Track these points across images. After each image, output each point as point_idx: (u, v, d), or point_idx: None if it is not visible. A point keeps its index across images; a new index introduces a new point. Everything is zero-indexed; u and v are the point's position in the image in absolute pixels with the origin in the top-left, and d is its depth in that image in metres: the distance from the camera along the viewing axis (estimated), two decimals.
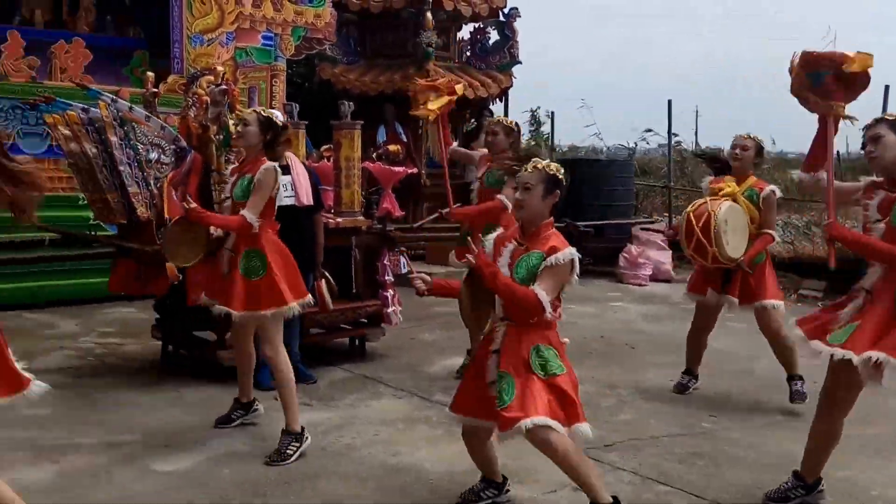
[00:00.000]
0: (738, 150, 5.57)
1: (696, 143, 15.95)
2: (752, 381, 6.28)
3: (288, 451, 4.54)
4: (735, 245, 5.34)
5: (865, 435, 4.89)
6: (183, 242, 4.80)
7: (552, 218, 3.60)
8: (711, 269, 5.56)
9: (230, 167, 5.00)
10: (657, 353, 7.08)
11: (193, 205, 4.64)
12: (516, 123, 6.25)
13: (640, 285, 10.71)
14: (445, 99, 5.98)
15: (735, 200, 5.44)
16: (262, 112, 4.78)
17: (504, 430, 3.43)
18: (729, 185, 5.49)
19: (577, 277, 3.54)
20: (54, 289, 8.16)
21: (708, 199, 5.47)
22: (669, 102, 13.28)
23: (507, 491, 4.01)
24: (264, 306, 4.57)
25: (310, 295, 4.82)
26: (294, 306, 4.61)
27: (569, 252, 3.47)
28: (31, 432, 4.70)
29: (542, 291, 3.42)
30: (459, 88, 6.15)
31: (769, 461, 4.62)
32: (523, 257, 3.54)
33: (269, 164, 4.61)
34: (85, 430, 4.86)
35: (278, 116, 4.94)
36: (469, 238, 3.67)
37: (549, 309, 3.43)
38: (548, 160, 3.59)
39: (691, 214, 5.40)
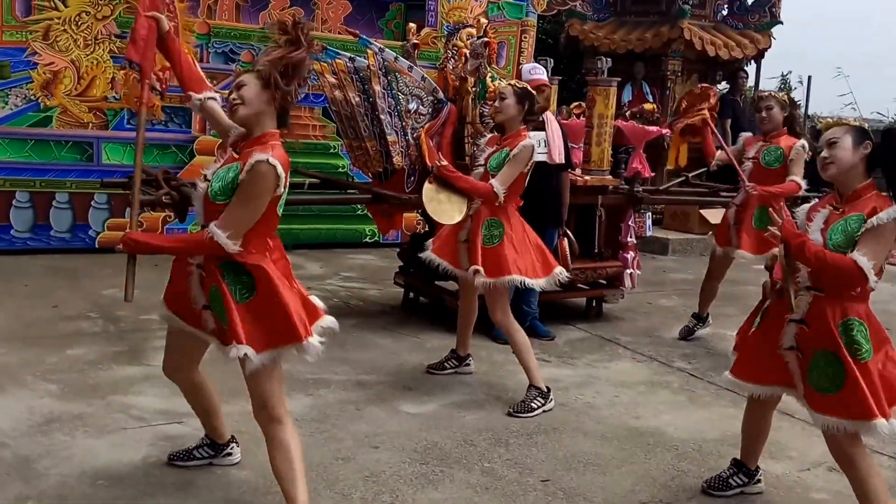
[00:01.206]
0: None
1: None
2: None
3: (533, 405, 4.57)
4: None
5: None
6: (442, 200, 4.84)
7: (872, 179, 3.18)
8: None
9: (487, 137, 4.95)
10: None
11: (444, 162, 4.68)
12: (791, 98, 5.85)
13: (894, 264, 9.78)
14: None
15: None
16: (517, 84, 4.70)
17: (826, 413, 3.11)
18: None
19: None
20: (302, 232, 8.63)
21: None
22: None
23: (759, 482, 3.75)
24: (492, 274, 4.55)
25: (552, 273, 4.71)
26: (516, 278, 4.55)
27: (893, 211, 3.04)
28: (286, 366, 4.95)
29: (862, 258, 3.01)
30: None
31: None
32: (839, 222, 3.15)
33: (528, 140, 4.56)
34: (334, 367, 5.09)
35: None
36: (770, 210, 3.34)
37: (872, 277, 3.01)
38: (845, 117, 3.28)
39: None
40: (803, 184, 5.55)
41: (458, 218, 4.78)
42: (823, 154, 3.19)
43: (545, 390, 4.64)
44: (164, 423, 4.11)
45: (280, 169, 2.93)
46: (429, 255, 4.82)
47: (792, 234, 3.14)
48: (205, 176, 3.07)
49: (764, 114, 5.68)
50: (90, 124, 7.90)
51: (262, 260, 3.01)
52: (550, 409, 4.60)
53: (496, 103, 4.68)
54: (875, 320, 3.18)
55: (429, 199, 4.82)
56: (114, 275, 6.08)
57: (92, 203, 7.97)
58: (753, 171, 5.71)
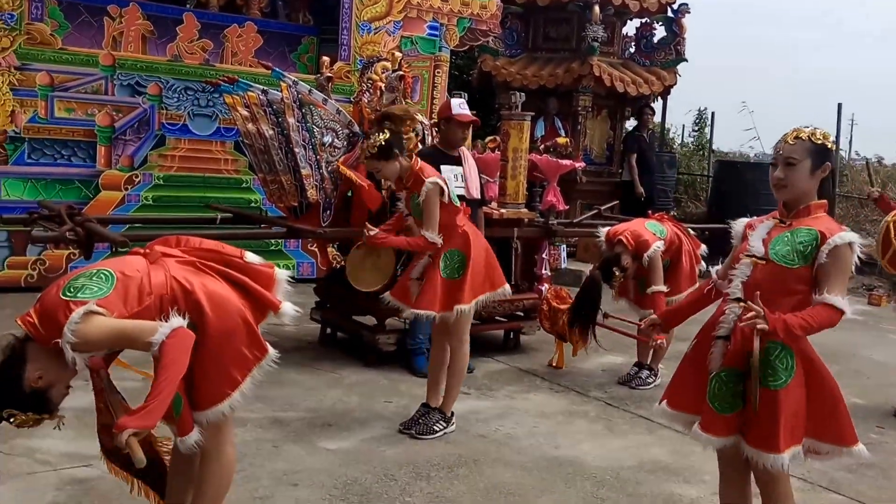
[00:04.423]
0: None
1: (851, 151, 15.27)
2: None
3: (436, 428, 4.65)
4: None
5: None
6: (366, 268, 4.81)
7: (825, 201, 2.96)
8: None
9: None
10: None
11: (374, 231, 4.65)
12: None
13: None
14: None
15: None
16: (370, 150, 4.57)
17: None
18: None
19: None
20: None
21: None
22: (839, 106, 12.60)
23: None
24: (460, 302, 4.56)
25: (505, 286, 4.81)
26: (483, 298, 4.66)
27: (849, 237, 2.85)
28: None
29: (836, 299, 2.79)
30: None
31: None
32: (785, 233, 2.92)
33: (428, 181, 4.52)
34: (249, 405, 4.89)
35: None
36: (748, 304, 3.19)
37: (848, 310, 2.82)
38: (812, 127, 2.98)
39: (891, 224, 5.08)
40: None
41: (376, 287, 4.82)
42: (778, 174, 2.94)
43: (449, 415, 4.72)
44: (70, 466, 3.92)
45: None
46: (386, 296, 4.79)
47: (775, 321, 2.77)
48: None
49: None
50: None
51: None
52: (452, 432, 4.68)
53: (376, 173, 4.77)
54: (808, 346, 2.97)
55: (353, 266, 4.81)
56: (12, 315, 5.80)
57: None
58: None
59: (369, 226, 4.67)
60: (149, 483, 3.08)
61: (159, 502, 3.11)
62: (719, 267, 3.21)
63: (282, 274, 3.09)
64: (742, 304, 2.89)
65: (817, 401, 2.92)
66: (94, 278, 2.67)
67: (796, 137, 2.94)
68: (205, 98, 8.25)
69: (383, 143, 4.50)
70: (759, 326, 2.75)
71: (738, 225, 3.15)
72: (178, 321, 2.63)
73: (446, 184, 4.63)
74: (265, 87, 5.58)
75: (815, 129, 2.96)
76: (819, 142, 2.92)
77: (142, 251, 2.91)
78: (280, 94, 5.46)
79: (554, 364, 6.24)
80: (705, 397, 2.97)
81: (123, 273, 2.72)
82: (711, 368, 2.99)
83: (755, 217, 3.17)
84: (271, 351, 2.94)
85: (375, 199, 5.54)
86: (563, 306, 6.00)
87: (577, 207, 10.68)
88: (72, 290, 2.61)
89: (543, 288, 6.71)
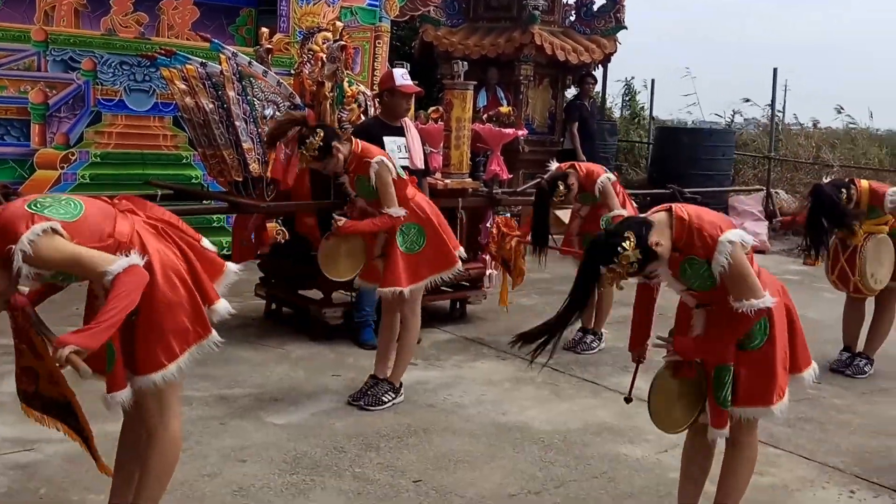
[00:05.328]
0: None
1: (784, 116, 15.68)
2: None
3: (384, 399, 4.70)
4: (880, 277, 5.44)
5: None
6: (339, 255, 4.80)
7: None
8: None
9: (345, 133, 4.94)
10: None
11: (343, 221, 4.65)
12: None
13: None
14: None
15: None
16: (306, 151, 4.57)
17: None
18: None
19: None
20: None
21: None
22: (775, 71, 12.93)
23: None
24: (429, 273, 4.72)
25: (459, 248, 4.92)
26: (431, 279, 4.75)
27: (733, 235, 2.90)
28: None
29: (748, 302, 2.90)
30: None
31: (877, 427, 4.73)
32: (682, 265, 2.97)
33: (375, 161, 4.56)
34: (195, 383, 4.91)
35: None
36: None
37: (768, 299, 2.93)
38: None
39: (837, 244, 5.51)
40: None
41: (350, 276, 4.84)
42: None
43: (398, 386, 4.76)
44: (13, 451, 3.85)
45: None
46: (358, 281, 4.86)
47: (686, 349, 3.03)
48: None
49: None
50: None
51: None
52: (400, 402, 4.72)
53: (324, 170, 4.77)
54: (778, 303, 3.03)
55: (325, 256, 4.79)
56: None
57: None
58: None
59: (337, 217, 4.68)
60: (70, 426, 3.01)
61: (82, 444, 3.04)
62: None
63: (231, 268, 3.06)
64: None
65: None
66: (63, 202, 2.66)
67: None
68: (141, 73, 8.06)
69: (321, 143, 4.52)
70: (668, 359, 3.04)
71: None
72: (136, 259, 2.61)
73: (391, 160, 4.64)
74: (204, 60, 5.48)
75: None
76: None
77: (109, 200, 2.87)
78: (219, 66, 5.37)
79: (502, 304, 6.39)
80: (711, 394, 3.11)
81: (92, 207, 2.70)
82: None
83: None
84: (214, 333, 2.89)
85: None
86: (513, 233, 6.12)
87: (520, 177, 10.71)
88: (38, 205, 2.59)
89: (487, 257, 6.76)
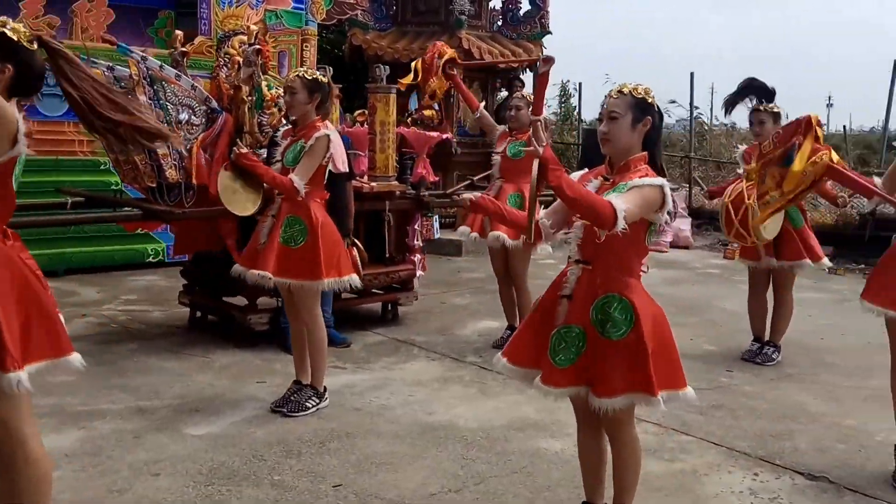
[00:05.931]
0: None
1: (713, 118, 16.13)
2: None
3: (308, 404, 4.60)
4: (772, 228, 5.39)
5: (868, 386, 5.30)
6: (236, 189, 4.66)
7: (646, 153, 3.01)
8: None
9: (282, 129, 4.84)
10: (679, 314, 6.95)
11: (244, 149, 4.54)
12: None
13: (660, 251, 10.70)
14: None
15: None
16: (305, 74, 4.57)
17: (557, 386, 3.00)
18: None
19: (668, 217, 2.96)
20: (74, 256, 8.11)
21: (745, 185, 5.33)
22: (692, 75, 13.55)
23: None
24: (297, 276, 4.47)
25: (353, 275, 4.70)
26: (328, 282, 4.49)
27: (660, 180, 2.91)
28: (54, 399, 4.59)
29: (617, 200, 2.78)
30: None
31: (782, 411, 4.89)
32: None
33: (322, 131, 4.47)
34: (111, 396, 4.79)
35: (323, 75, 4.82)
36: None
37: (622, 222, 2.76)
38: (635, 83, 3.01)
39: (729, 205, 5.44)
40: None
41: (251, 209, 4.70)
42: (602, 128, 2.99)
43: (321, 391, 4.67)
44: None
45: None
46: (237, 268, 4.63)
47: (552, 159, 2.79)
48: None
49: (513, 112, 6.03)
50: None
51: None
52: (325, 407, 4.64)
53: (286, 97, 4.57)
54: (646, 299, 3.02)
55: (223, 188, 4.67)
56: None
57: None
58: (502, 163, 6.02)
59: (240, 143, 4.56)
60: None
61: None
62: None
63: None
64: (582, 265, 3.03)
65: (661, 354, 2.99)
66: None
67: (619, 92, 2.99)
68: (53, 77, 7.82)
69: (321, 78, 4.52)
70: (531, 150, 2.78)
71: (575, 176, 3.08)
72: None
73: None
74: (111, 64, 5.31)
75: (637, 84, 3.01)
76: (640, 96, 2.98)
77: None
78: (129, 70, 5.22)
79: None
80: (546, 352, 3.01)
81: None
82: (556, 325, 3.03)
83: (589, 170, 3.22)
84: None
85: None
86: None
87: (453, 179, 10.71)
88: None
89: (416, 258, 6.73)
